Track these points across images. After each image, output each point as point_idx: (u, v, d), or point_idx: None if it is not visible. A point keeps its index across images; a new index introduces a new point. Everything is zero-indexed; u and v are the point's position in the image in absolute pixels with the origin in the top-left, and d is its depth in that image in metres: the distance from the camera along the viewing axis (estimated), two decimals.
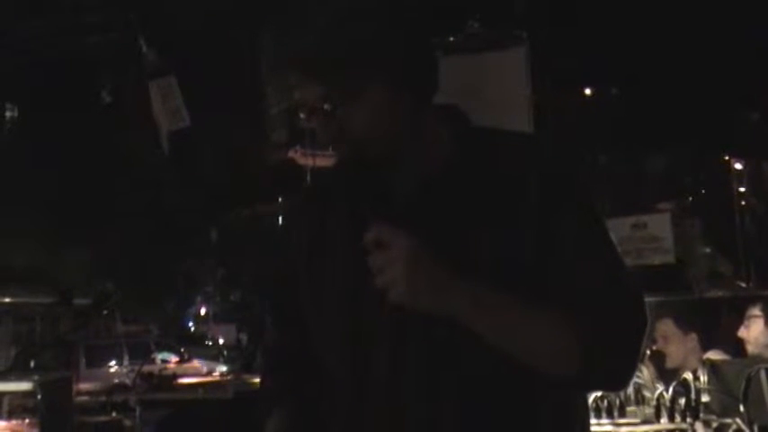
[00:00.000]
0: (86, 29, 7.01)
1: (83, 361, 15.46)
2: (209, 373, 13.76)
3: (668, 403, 4.06)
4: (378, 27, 1.60)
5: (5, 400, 5.58)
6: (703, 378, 4.12)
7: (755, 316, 5.03)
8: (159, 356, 15.01)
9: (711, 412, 4.05)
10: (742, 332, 5.07)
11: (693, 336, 5.03)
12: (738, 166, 9.53)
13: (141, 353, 14.53)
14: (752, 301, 5.40)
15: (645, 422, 4.14)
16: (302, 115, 1.67)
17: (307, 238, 1.79)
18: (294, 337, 1.86)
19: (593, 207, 1.69)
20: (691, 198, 10.34)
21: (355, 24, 1.59)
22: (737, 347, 5.07)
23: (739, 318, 5.22)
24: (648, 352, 4.80)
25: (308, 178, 6.18)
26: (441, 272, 1.57)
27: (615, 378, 1.68)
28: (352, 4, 1.60)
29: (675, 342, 5.02)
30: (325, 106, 1.61)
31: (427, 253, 1.56)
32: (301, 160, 6.47)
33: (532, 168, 1.66)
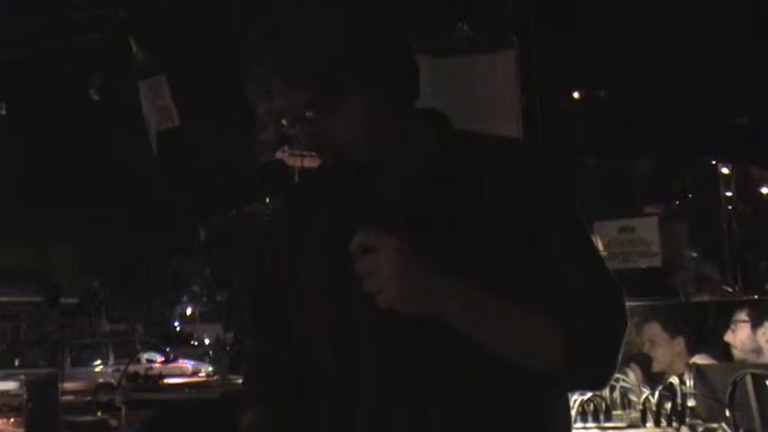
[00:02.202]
0: (77, 27, 6.99)
1: (68, 360, 15.39)
2: (195, 373, 13.70)
3: (654, 407, 4.07)
4: (360, 35, 1.61)
5: None
6: (689, 382, 4.13)
7: (742, 320, 5.04)
8: (145, 356, 14.93)
9: (697, 417, 4.06)
10: (729, 336, 5.09)
11: (680, 340, 5.06)
12: (725, 170, 9.55)
13: (126, 352, 14.49)
14: (739, 305, 5.42)
15: (631, 426, 4.15)
16: (284, 122, 1.67)
17: (290, 239, 1.80)
18: (273, 341, 1.86)
19: (576, 209, 1.71)
20: (678, 202, 10.35)
21: (338, 32, 1.59)
22: (724, 352, 5.08)
23: (726, 322, 5.24)
24: None
25: (296, 179, 6.17)
26: (428, 274, 1.57)
27: (597, 377, 1.70)
28: (334, 12, 1.61)
29: (662, 346, 5.04)
30: (308, 113, 1.62)
31: (414, 256, 1.56)
32: (289, 161, 6.46)
33: (516, 170, 1.68)
